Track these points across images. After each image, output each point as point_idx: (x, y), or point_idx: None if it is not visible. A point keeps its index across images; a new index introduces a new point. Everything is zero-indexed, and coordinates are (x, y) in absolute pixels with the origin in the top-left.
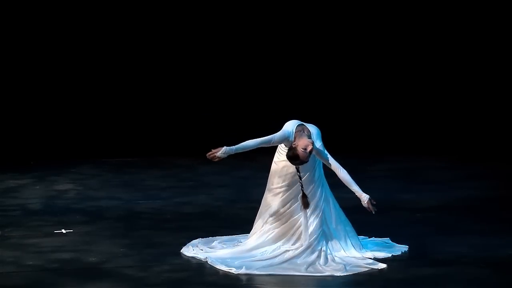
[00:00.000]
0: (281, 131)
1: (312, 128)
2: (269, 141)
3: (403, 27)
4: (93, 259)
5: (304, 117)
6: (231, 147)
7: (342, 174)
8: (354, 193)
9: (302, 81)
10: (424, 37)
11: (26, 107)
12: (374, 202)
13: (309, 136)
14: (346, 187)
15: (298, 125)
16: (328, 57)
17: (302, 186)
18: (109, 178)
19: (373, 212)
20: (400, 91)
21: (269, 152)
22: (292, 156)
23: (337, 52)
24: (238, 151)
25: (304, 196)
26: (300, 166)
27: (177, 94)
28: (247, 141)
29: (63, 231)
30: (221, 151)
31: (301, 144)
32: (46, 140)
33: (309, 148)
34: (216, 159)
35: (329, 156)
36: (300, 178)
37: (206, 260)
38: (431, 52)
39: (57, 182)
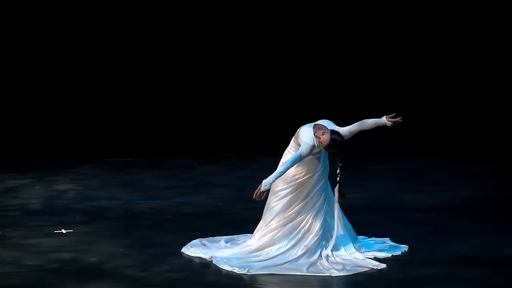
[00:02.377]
0: (303, 144)
1: (323, 122)
2: (299, 158)
3: (404, 28)
4: (93, 259)
5: (304, 117)
6: (269, 177)
7: (363, 127)
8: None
9: (302, 81)
10: (424, 38)
11: (26, 107)
12: (392, 114)
13: (324, 132)
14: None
15: (313, 128)
16: (328, 57)
17: (339, 177)
18: (109, 178)
19: (401, 120)
20: (399, 91)
21: (269, 152)
22: (333, 150)
23: (337, 52)
24: (277, 178)
25: (341, 189)
26: (328, 155)
27: (177, 94)
28: (279, 167)
29: (63, 231)
30: (263, 186)
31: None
32: (46, 140)
33: (324, 143)
34: (263, 195)
35: (347, 128)
36: (341, 169)
37: (211, 259)
38: (431, 53)
39: (57, 182)
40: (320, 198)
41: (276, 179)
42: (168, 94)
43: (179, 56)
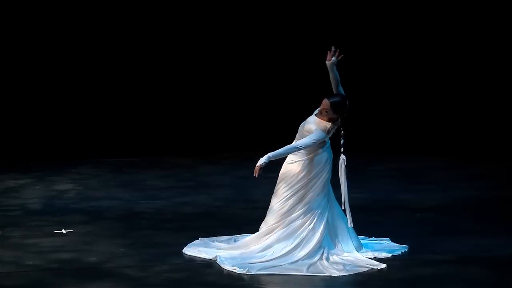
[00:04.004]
0: (314, 130)
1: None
2: (311, 143)
3: (404, 27)
4: (93, 259)
5: (305, 117)
6: (269, 153)
7: (335, 82)
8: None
9: (302, 81)
10: (424, 37)
11: (26, 107)
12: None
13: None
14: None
15: (316, 116)
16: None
17: (343, 147)
18: (109, 178)
19: (334, 48)
20: (400, 91)
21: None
22: (340, 109)
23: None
24: (279, 156)
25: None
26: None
27: (177, 94)
28: (284, 147)
29: (63, 231)
30: (260, 160)
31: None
32: (46, 140)
33: (326, 106)
34: (261, 170)
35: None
36: (344, 138)
37: (215, 259)
38: (431, 52)
39: (57, 182)
40: (324, 200)
41: (277, 157)
42: (168, 94)
43: (179, 56)
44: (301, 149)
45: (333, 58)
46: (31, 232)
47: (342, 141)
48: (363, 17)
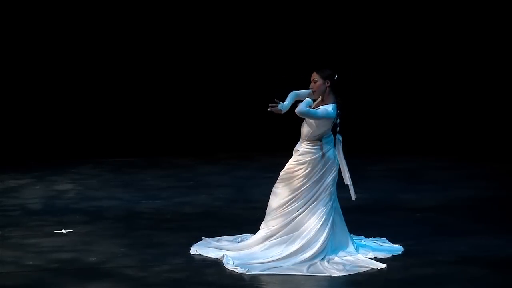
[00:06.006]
0: (322, 111)
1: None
2: (322, 114)
3: (404, 27)
4: (93, 259)
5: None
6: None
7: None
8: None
9: (302, 80)
10: (424, 37)
11: (26, 107)
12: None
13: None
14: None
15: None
16: (328, 56)
17: (338, 126)
18: (109, 178)
19: (271, 106)
20: (400, 91)
21: (269, 152)
22: (330, 78)
23: (337, 52)
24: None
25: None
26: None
27: (177, 94)
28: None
29: (63, 231)
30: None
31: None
32: (46, 140)
33: (314, 76)
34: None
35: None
36: (340, 117)
37: (222, 258)
38: (432, 52)
39: (57, 182)
40: (330, 200)
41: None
42: (168, 94)
43: (179, 56)
44: (311, 115)
45: (279, 105)
46: (31, 232)
47: (337, 121)
48: (363, 18)
